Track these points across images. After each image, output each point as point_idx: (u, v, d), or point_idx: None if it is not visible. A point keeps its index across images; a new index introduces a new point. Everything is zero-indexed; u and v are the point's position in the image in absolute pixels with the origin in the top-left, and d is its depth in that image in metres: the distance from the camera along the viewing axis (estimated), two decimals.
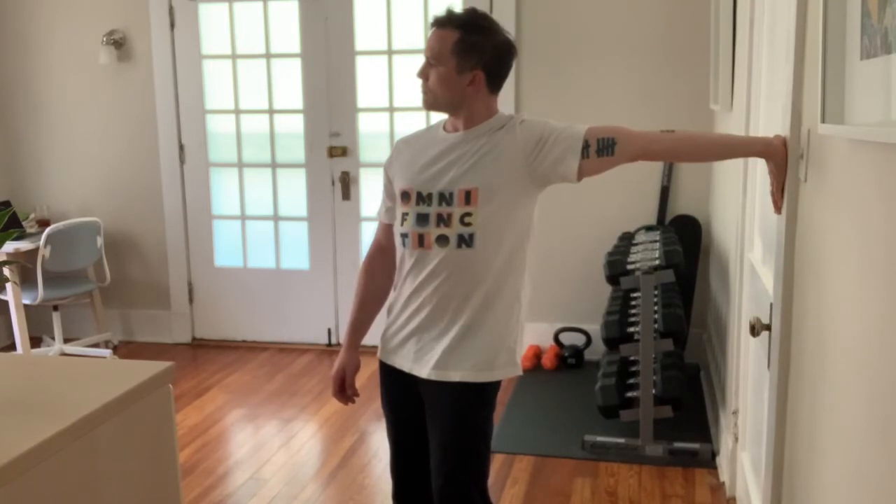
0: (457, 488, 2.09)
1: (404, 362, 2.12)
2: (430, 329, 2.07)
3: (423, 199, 2.05)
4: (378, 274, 2.24)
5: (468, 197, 2.00)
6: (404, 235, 2.08)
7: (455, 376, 2.04)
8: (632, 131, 2.00)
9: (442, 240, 2.02)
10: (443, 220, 2.02)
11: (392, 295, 2.20)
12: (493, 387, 2.09)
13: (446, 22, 2.01)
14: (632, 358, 3.61)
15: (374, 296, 2.25)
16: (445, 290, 2.04)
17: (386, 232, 2.23)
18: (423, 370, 2.07)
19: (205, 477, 3.38)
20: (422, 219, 2.04)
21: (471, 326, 2.04)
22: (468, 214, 2.00)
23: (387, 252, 2.21)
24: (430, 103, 2.06)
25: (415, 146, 2.14)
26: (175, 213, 5.05)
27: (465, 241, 2.01)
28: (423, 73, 2.04)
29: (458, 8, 2.07)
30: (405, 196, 2.09)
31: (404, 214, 2.08)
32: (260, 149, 4.97)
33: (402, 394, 2.17)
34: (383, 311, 2.26)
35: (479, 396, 2.07)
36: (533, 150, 1.99)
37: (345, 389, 2.26)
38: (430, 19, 2.05)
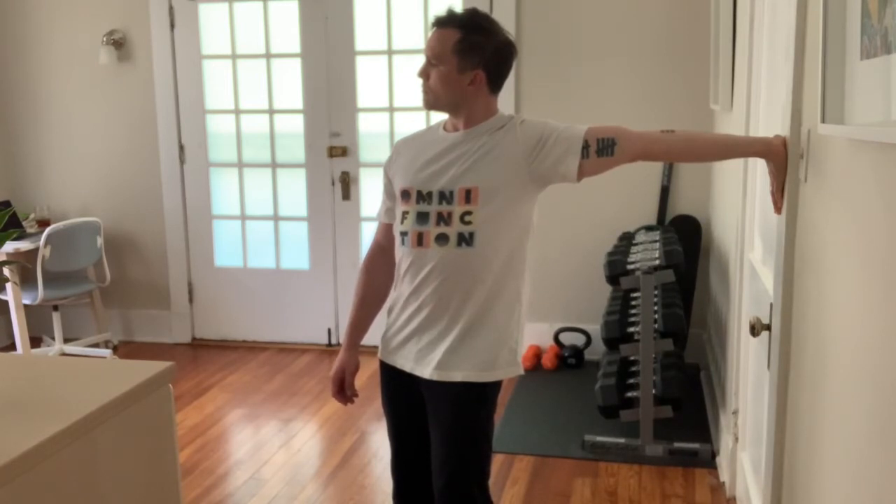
0: (458, 488, 2.09)
1: (405, 362, 2.12)
2: (430, 329, 2.07)
3: (423, 197, 2.05)
4: (378, 274, 2.24)
5: (468, 196, 2.00)
6: (404, 234, 2.08)
7: (457, 376, 2.04)
8: (632, 131, 2.00)
9: (441, 238, 2.02)
10: (443, 218, 2.02)
11: (392, 295, 2.20)
12: (494, 387, 2.10)
13: (447, 22, 2.01)
14: (632, 358, 3.61)
15: (373, 296, 2.25)
16: (445, 290, 2.04)
17: (386, 232, 2.23)
18: (425, 370, 2.07)
19: (205, 477, 3.38)
20: (422, 217, 2.05)
21: (472, 326, 2.04)
22: (468, 213, 2.00)
23: (387, 252, 2.21)
24: (431, 103, 2.07)
25: (415, 146, 2.14)
26: (175, 213, 5.05)
27: (466, 239, 2.01)
28: (424, 73, 2.05)
29: (459, 8, 2.08)
30: (405, 195, 2.09)
31: (404, 213, 2.09)
32: (260, 149, 4.97)
33: (402, 394, 2.17)
34: (383, 310, 2.26)
35: (480, 396, 2.07)
36: (533, 150, 2.00)
37: (344, 390, 2.27)
38: (431, 19, 2.06)
